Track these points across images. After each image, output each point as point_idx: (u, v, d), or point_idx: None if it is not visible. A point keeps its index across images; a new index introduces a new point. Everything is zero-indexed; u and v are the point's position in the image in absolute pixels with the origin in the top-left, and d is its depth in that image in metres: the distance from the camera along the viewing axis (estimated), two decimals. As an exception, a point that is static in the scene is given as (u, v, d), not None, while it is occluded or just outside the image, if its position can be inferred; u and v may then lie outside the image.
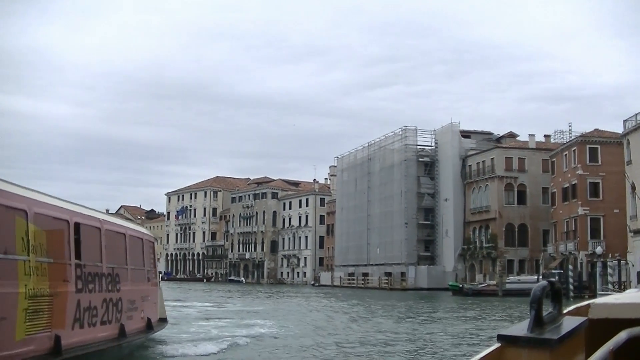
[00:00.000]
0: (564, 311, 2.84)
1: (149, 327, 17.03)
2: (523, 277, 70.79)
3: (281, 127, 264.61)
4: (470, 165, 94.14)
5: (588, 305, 3.12)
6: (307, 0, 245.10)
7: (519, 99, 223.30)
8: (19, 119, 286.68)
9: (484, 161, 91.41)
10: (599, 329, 2.90)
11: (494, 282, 71.50)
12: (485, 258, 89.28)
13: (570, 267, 64.77)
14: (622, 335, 2.40)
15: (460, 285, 74.08)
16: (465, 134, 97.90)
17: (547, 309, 2.57)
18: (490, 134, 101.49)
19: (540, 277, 65.72)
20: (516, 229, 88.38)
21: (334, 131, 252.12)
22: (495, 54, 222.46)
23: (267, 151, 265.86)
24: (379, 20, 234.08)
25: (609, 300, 3.28)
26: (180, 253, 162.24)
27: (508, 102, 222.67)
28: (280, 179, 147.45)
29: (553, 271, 69.17)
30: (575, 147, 76.12)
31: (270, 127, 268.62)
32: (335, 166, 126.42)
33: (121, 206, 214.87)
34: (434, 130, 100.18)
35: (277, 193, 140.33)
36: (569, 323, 2.59)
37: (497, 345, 2.34)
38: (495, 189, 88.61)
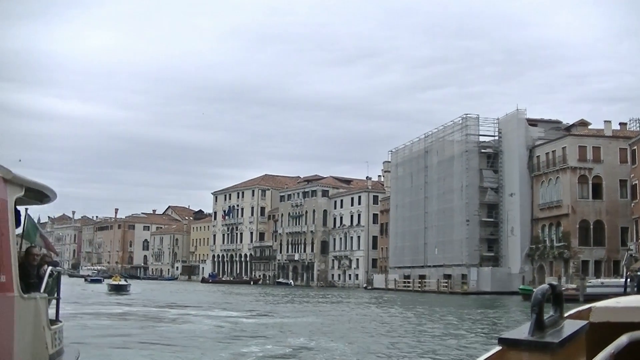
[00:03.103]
0: (565, 315, 2.82)
1: None
2: (607, 280, 61.67)
3: (332, 129, 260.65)
4: (538, 156, 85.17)
5: (589, 309, 3.06)
6: (357, 3, 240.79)
7: (572, 100, 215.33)
8: (73, 123, 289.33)
9: (554, 151, 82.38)
10: (600, 332, 2.84)
11: (573, 286, 62.65)
12: (556, 259, 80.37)
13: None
14: (623, 339, 2.41)
15: (533, 290, 65.37)
16: (532, 123, 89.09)
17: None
18: (559, 122, 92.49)
19: (628, 279, 56.86)
20: (591, 226, 79.23)
21: (385, 134, 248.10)
22: (547, 55, 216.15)
23: (318, 154, 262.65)
24: (430, 21, 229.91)
25: (610, 303, 3.13)
26: (227, 254, 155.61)
27: (561, 103, 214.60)
28: (331, 177, 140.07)
29: (639, 273, 60.21)
30: (662, 133, 66.99)
31: (321, 130, 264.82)
32: (389, 162, 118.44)
33: (168, 206, 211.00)
34: (498, 119, 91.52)
35: (327, 191, 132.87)
36: (570, 327, 2.59)
37: (498, 348, 2.36)
38: (568, 181, 79.67)
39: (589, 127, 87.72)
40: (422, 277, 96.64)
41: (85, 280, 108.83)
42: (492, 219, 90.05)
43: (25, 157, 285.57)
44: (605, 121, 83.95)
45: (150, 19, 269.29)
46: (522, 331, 2.40)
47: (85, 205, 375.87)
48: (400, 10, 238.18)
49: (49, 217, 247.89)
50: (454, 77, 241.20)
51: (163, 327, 28.70)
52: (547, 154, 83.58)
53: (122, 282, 69.75)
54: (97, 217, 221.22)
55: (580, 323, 2.75)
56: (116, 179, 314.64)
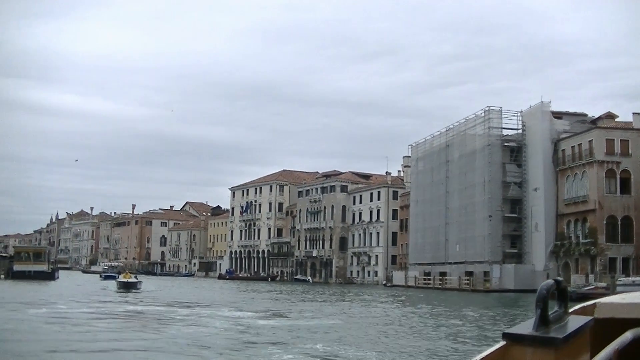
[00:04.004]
0: (570, 310, 2.80)
1: None
2: (638, 279, 58.98)
3: (352, 126, 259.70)
4: (563, 150, 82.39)
5: (594, 305, 3.04)
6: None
7: (593, 97, 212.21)
8: (96, 121, 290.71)
9: (580, 144, 79.61)
10: (605, 328, 2.86)
11: (603, 284, 59.93)
12: (582, 256, 77.60)
13: None
14: (628, 335, 2.44)
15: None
16: (557, 116, 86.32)
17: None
18: (585, 115, 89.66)
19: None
20: (619, 222, 76.45)
21: (405, 131, 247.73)
22: (568, 51, 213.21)
23: (338, 151, 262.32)
24: (451, 18, 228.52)
25: (615, 299, 3.16)
26: (244, 250, 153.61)
27: (582, 100, 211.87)
28: (350, 172, 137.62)
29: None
30: (694, 124, 64.12)
31: (341, 127, 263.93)
32: (409, 156, 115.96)
33: (186, 202, 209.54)
34: (521, 112, 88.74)
35: (346, 186, 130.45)
36: (575, 322, 2.59)
37: (502, 343, 2.37)
38: (595, 176, 76.86)
39: (616, 119, 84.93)
40: (442, 274, 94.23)
41: (100, 276, 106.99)
42: (515, 215, 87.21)
43: (48, 154, 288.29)
44: (634, 113, 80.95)
45: (171, 17, 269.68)
46: (526, 326, 2.37)
47: (106, 202, 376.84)
48: (420, 7, 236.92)
49: (67, 213, 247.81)
50: (474, 74, 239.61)
51: (166, 331, 26.41)
52: (572, 147, 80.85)
53: (132, 279, 65.55)
54: (115, 213, 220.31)
55: (585, 319, 2.69)
56: (136, 176, 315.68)
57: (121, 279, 67.32)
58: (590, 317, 2.81)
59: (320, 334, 26.60)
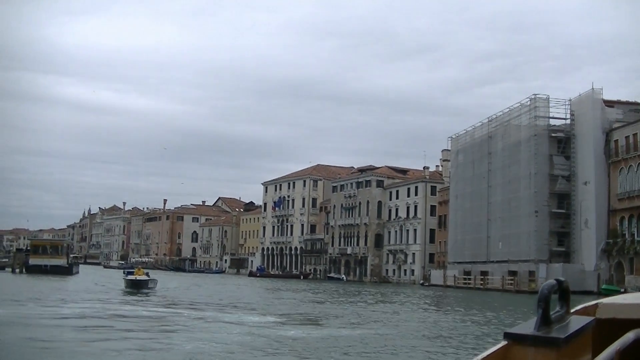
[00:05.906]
0: (572, 310, 2.80)
1: None
2: None
3: (389, 124, 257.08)
4: (616, 140, 76.67)
5: (596, 305, 3.05)
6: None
7: (633, 96, 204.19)
8: (132, 117, 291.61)
9: (635, 134, 73.92)
10: (607, 329, 2.87)
11: (669, 287, 54.66)
12: (637, 255, 71.93)
13: None
14: (630, 336, 2.47)
15: (622, 290, 57.34)
16: (609, 104, 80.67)
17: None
18: (638, 103, 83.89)
19: None
20: (678, 219, 70.87)
21: (442, 129, 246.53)
22: (607, 49, 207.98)
23: (375, 148, 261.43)
24: (489, 16, 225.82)
25: (617, 300, 3.16)
26: (277, 247, 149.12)
27: (623, 98, 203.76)
28: (386, 166, 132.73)
29: None
30: None
31: (378, 125, 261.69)
32: (448, 150, 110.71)
33: (219, 198, 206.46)
34: (570, 100, 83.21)
35: (382, 181, 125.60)
36: (576, 322, 2.59)
37: (503, 343, 2.36)
38: (652, 168, 71.30)
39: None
40: (484, 273, 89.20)
41: (124, 272, 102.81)
42: (563, 210, 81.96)
43: (88, 150, 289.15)
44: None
45: (209, 14, 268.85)
46: (528, 326, 2.37)
47: (139, 197, 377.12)
48: (459, 4, 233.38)
49: (99, 207, 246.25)
50: (512, 72, 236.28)
51: (159, 345, 21.37)
52: (627, 137, 75.21)
53: (143, 276, 56.82)
54: (147, 208, 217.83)
55: (587, 319, 2.68)
56: (176, 173, 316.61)
57: (130, 276, 58.56)
58: (592, 318, 2.76)
59: (367, 350, 20.87)
